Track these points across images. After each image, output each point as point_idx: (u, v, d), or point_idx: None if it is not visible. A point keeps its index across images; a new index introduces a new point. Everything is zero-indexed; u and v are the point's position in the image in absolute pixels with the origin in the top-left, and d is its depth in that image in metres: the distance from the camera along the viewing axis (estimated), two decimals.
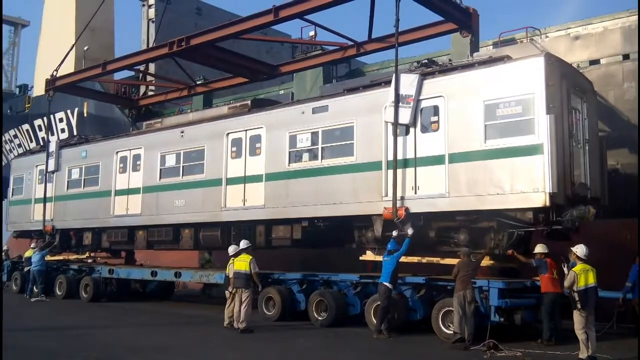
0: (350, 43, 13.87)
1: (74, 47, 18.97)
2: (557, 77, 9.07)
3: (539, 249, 8.99)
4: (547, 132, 8.56)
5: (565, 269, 8.15)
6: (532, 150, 8.67)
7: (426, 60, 10.76)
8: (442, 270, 9.86)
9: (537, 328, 9.17)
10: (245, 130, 12.60)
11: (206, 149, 13.25)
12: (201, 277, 13.71)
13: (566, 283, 7.75)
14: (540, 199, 8.56)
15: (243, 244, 10.51)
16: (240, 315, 9.84)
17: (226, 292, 10.55)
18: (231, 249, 10.61)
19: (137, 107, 20.27)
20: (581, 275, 7.62)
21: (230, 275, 10.27)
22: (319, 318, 10.70)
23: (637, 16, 12.22)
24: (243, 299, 9.86)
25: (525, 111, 8.84)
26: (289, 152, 11.69)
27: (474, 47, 12.18)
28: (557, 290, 8.74)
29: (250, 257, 10.10)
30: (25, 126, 26.78)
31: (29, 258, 15.95)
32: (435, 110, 9.77)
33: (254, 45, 20.54)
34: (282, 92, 19.59)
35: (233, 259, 10.37)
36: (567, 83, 9.42)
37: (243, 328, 9.79)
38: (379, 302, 9.53)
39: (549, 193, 8.48)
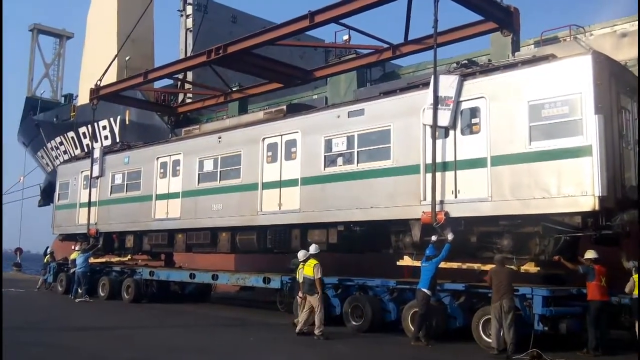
0: (386, 46, 13.75)
1: (117, 58, 19.71)
2: (605, 75, 8.70)
3: (589, 254, 8.63)
4: (596, 133, 8.21)
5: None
6: (580, 152, 8.34)
7: (466, 61, 10.54)
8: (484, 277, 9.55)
9: (583, 337, 8.76)
10: (281, 135, 12.71)
11: (242, 154, 13.44)
12: (237, 280, 13.88)
13: (627, 289, 7.58)
14: (589, 203, 8.20)
15: (313, 249, 10.32)
16: (315, 320, 9.77)
17: (297, 297, 10.52)
18: (301, 254, 10.38)
19: (176, 114, 20.83)
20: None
21: (301, 281, 10.19)
22: (355, 324, 10.60)
23: None
24: (313, 305, 9.80)
25: (572, 112, 8.51)
26: (325, 156, 11.70)
27: (515, 46, 11.84)
28: (604, 298, 8.40)
29: (316, 262, 9.97)
30: (71, 134, 28.05)
31: (75, 260, 16.59)
32: (477, 111, 9.54)
33: (288, 50, 20.75)
34: (315, 96, 19.66)
35: (303, 264, 10.21)
36: (616, 82, 9.02)
37: (319, 334, 9.67)
38: (416, 309, 9.35)
39: (599, 196, 8.12)
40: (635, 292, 7.48)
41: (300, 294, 10.27)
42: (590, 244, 9.01)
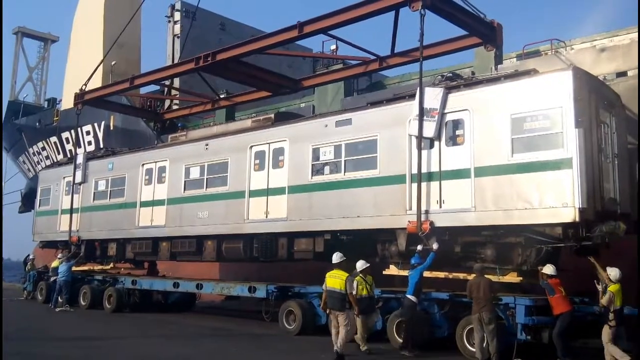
0: (373, 57, 13.93)
1: (102, 62, 19.53)
2: (585, 90, 8.97)
3: (547, 270, 8.55)
4: (576, 146, 8.44)
5: (599, 287, 8.03)
6: (561, 164, 8.55)
7: (450, 74, 10.75)
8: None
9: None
10: (269, 143, 12.73)
11: (230, 161, 13.41)
12: (222, 289, 13.76)
13: (604, 301, 7.79)
14: (569, 214, 8.40)
15: (336, 257, 9.21)
16: (338, 338, 8.68)
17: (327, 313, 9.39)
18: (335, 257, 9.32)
19: (162, 120, 20.69)
20: (618, 295, 7.79)
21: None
22: None
23: None
24: (341, 323, 8.75)
25: (553, 125, 8.75)
26: (312, 164, 11.76)
27: (498, 59, 12.12)
28: (572, 306, 8.48)
29: (347, 274, 8.97)
30: (53, 139, 27.59)
31: (56, 268, 16.24)
32: (461, 123, 9.73)
33: (276, 59, 20.81)
34: (303, 105, 19.75)
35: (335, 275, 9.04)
36: (595, 97, 9.31)
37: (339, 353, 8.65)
38: (402, 318, 9.40)
39: (579, 208, 8.33)
40: (618, 304, 7.74)
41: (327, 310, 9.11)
42: (554, 258, 9.08)
